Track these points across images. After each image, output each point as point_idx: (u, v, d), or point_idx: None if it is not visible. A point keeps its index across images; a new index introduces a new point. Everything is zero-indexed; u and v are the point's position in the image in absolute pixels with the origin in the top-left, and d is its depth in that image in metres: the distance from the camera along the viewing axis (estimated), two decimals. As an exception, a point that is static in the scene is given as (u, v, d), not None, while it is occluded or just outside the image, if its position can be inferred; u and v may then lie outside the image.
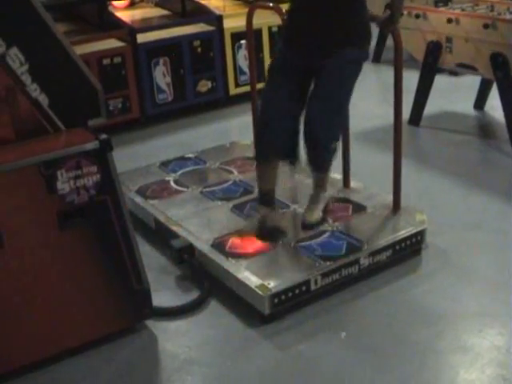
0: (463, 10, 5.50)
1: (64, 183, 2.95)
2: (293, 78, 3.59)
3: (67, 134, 3.10)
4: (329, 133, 3.60)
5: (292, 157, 3.77)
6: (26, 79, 2.99)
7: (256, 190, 4.23)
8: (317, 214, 3.88)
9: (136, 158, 5.26)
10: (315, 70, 3.55)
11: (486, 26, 5.06)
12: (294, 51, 3.59)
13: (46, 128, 3.07)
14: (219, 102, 6.46)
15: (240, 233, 3.80)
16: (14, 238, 2.91)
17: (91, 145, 3.00)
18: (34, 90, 3.02)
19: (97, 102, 3.18)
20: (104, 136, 3.03)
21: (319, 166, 3.79)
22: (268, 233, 3.78)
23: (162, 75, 6.01)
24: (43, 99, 3.04)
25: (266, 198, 3.88)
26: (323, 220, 3.88)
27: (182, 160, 4.88)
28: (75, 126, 3.13)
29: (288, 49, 3.62)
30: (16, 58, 2.96)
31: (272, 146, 3.69)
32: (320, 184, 3.93)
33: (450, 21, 5.33)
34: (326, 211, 3.94)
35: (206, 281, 3.60)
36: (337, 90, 3.55)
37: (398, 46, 3.71)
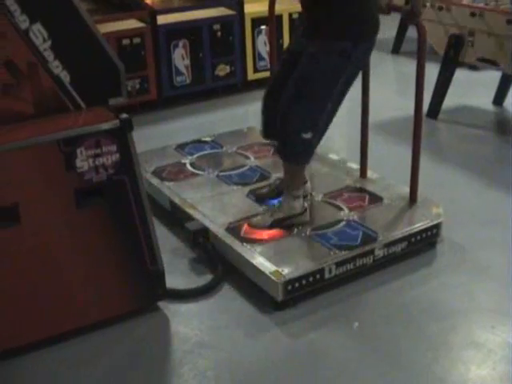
0: (487, 4, 5.45)
1: (83, 161, 2.95)
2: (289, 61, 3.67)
3: (88, 112, 3.10)
4: (293, 118, 3.49)
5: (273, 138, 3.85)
6: (49, 55, 2.99)
7: (273, 176, 4.23)
8: (262, 220, 3.71)
9: (152, 139, 5.23)
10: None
11: (509, 22, 5.02)
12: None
13: (67, 105, 3.07)
14: (237, 86, 6.43)
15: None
16: (31, 214, 2.92)
17: (111, 124, 2.99)
18: (56, 67, 3.02)
19: (118, 82, 3.17)
20: (124, 115, 3.02)
21: (282, 152, 3.67)
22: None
23: (180, 57, 5.98)
24: (65, 76, 3.04)
25: None
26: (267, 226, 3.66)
27: (199, 143, 4.86)
28: (96, 105, 3.12)
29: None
30: (39, 34, 2.96)
31: (262, 121, 3.87)
32: (287, 181, 3.73)
33: (473, 15, 5.28)
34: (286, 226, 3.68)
35: (220, 265, 3.60)
36: (307, 77, 3.47)
37: (422, 39, 3.67)
